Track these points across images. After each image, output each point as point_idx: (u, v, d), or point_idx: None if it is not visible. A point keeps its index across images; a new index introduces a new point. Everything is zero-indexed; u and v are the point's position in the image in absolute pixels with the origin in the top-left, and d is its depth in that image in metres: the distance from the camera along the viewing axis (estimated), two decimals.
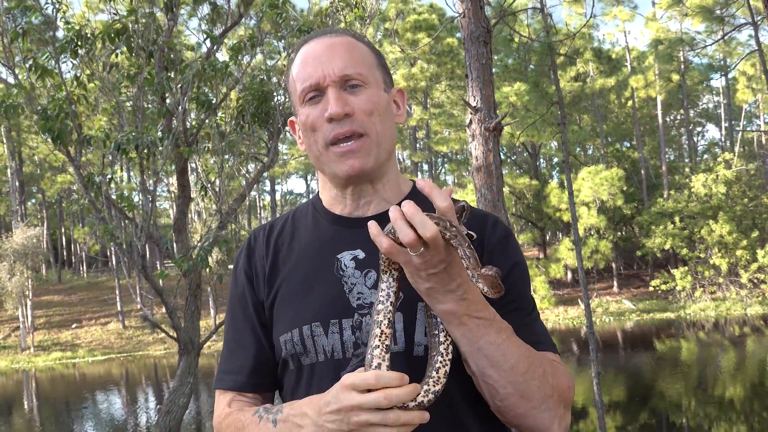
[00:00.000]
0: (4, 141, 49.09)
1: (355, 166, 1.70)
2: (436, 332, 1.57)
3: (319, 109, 1.71)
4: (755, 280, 38.13)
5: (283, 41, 10.15)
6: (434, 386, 1.51)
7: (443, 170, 61.46)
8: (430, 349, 1.58)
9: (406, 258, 1.47)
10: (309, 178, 68.73)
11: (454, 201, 1.57)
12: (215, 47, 9.62)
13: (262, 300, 1.81)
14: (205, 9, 9.63)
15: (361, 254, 1.73)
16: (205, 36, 9.51)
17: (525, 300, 1.79)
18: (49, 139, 8.11)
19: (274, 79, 9.89)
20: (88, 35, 8.39)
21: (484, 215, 1.86)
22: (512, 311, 1.72)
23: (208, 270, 10.62)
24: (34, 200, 62.93)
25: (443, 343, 1.56)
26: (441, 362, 1.54)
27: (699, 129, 68.95)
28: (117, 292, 43.87)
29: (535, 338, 1.71)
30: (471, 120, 6.19)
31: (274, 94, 9.48)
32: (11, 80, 8.93)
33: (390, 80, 1.85)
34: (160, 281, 8.84)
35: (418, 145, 53.30)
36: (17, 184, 50.46)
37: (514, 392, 1.59)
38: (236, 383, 1.81)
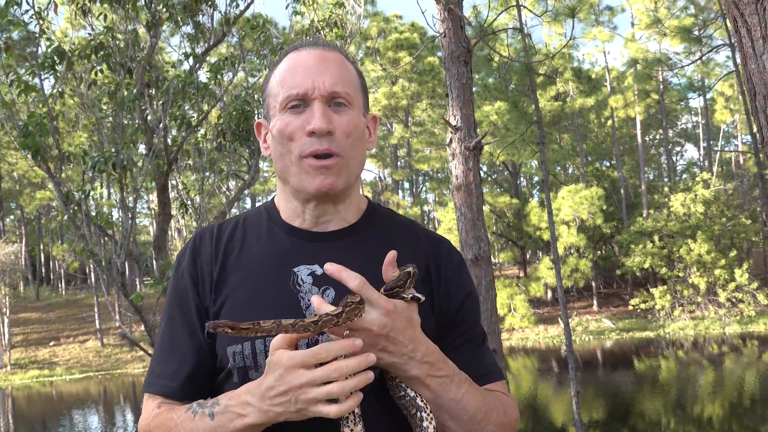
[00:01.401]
0: None
1: (325, 184, 1.68)
2: (403, 393, 1.59)
3: (300, 120, 1.69)
4: (733, 300, 38.30)
5: (262, 60, 10.18)
6: None
7: (424, 188, 61.47)
8: (408, 407, 1.59)
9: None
10: None
11: (401, 267, 1.60)
12: (197, 65, 9.61)
13: (207, 306, 1.74)
14: (188, 28, 9.63)
15: (319, 270, 1.70)
16: (186, 54, 9.49)
17: (477, 330, 1.82)
18: (29, 155, 8.07)
19: (256, 96, 9.90)
20: (67, 51, 8.36)
21: (438, 239, 1.87)
22: (465, 342, 1.78)
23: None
24: (12, 216, 62.51)
25: (418, 396, 1.58)
26: (427, 418, 1.56)
27: (678, 149, 69.40)
28: (96, 309, 43.61)
29: (486, 369, 1.77)
30: (451, 139, 6.21)
31: (255, 112, 9.48)
32: None
33: (367, 104, 1.85)
34: (140, 299, 8.77)
35: (399, 163, 53.33)
36: None
37: (461, 425, 1.64)
38: (168, 389, 1.73)
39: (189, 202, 10.96)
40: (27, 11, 8.28)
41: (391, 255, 1.58)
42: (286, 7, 10.00)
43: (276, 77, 1.76)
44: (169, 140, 9.50)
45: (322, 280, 1.68)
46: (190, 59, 9.49)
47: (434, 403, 1.60)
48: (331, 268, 1.52)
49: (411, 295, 1.56)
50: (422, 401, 1.57)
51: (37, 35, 8.49)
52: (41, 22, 8.40)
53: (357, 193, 1.84)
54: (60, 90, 8.77)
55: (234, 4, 9.33)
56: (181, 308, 1.77)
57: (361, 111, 1.78)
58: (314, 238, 1.76)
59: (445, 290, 1.76)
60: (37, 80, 8.28)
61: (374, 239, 1.78)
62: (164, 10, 8.68)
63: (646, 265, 39.57)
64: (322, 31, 9.89)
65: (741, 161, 54.94)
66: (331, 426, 1.53)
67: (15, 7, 8.08)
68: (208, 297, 1.75)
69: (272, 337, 1.55)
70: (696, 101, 63.10)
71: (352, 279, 1.50)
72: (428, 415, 1.56)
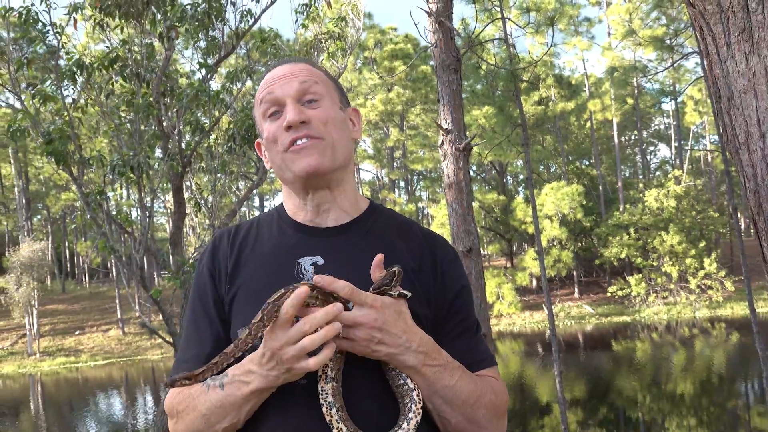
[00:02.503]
0: (12, 162, 48.95)
1: (311, 163, 1.69)
2: (402, 381, 1.60)
3: (278, 122, 1.73)
4: (702, 286, 38.37)
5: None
6: None
7: (418, 187, 61.51)
8: (403, 396, 1.60)
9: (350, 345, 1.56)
10: None
11: (387, 268, 1.61)
12: (209, 75, 9.60)
13: (222, 295, 1.77)
14: (201, 43, 9.61)
15: (320, 260, 1.71)
16: (200, 65, 9.48)
17: (471, 321, 1.82)
18: (52, 160, 8.06)
19: None
20: (87, 64, 8.34)
21: (434, 236, 1.87)
22: (461, 333, 1.78)
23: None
24: (39, 216, 62.37)
25: (415, 390, 1.59)
26: (415, 411, 1.57)
27: (651, 148, 69.38)
28: (117, 301, 43.59)
29: (480, 357, 1.78)
30: (443, 141, 6.21)
31: None
32: (18, 105, 8.88)
33: (346, 101, 1.86)
34: (159, 293, 8.75)
35: (395, 164, 53.38)
36: (24, 201, 50.13)
37: (464, 421, 1.67)
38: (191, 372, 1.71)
39: (202, 202, 10.95)
40: (45, 28, 8.27)
41: (378, 258, 1.60)
42: (295, 21, 9.99)
43: (257, 97, 1.81)
44: (183, 144, 9.49)
45: (323, 269, 1.69)
46: (203, 70, 9.47)
47: (429, 390, 1.61)
48: (322, 281, 1.52)
49: (398, 292, 1.57)
50: (418, 396, 1.59)
51: (58, 50, 8.48)
52: (60, 37, 8.39)
53: (351, 182, 1.85)
54: (79, 99, 8.76)
55: (245, 20, 9.31)
56: (202, 300, 1.80)
57: (337, 104, 1.80)
58: (318, 233, 1.77)
59: (442, 283, 1.76)
60: (58, 91, 8.27)
61: (373, 234, 1.79)
62: (180, 24, 8.65)
63: (623, 256, 39.63)
64: (324, 44, 9.87)
65: (709, 159, 55.02)
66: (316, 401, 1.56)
67: (35, 24, 8.07)
68: (224, 287, 1.77)
69: (225, 368, 1.62)
70: (668, 105, 62.99)
71: (341, 288, 1.52)
72: (418, 409, 1.57)
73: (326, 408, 1.54)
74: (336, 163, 1.74)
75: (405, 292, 1.59)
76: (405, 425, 1.56)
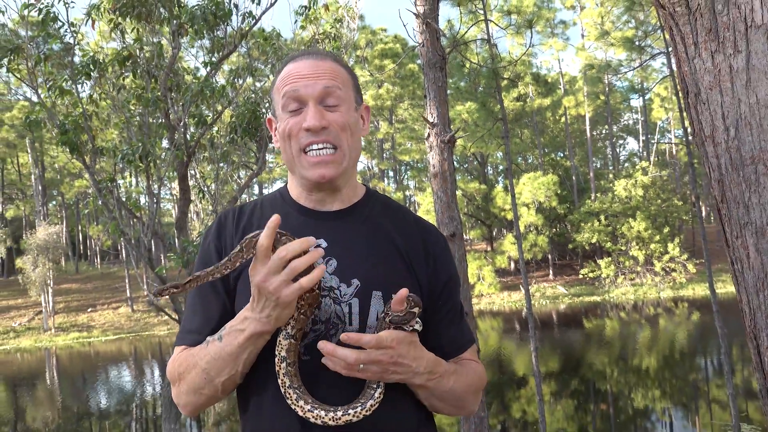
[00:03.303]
0: (29, 151, 48.86)
1: (326, 176, 1.66)
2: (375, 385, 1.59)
3: (298, 119, 1.67)
4: (667, 269, 38.54)
5: (269, 67, 10.12)
6: (357, 412, 1.54)
7: (406, 176, 61.47)
8: (370, 381, 1.59)
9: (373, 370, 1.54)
10: None
11: (409, 300, 1.59)
12: (213, 72, 9.55)
13: (228, 277, 1.71)
14: (206, 41, 9.55)
15: (324, 243, 1.68)
16: (205, 63, 9.42)
17: (457, 307, 1.82)
18: (67, 150, 8.00)
19: (264, 99, 9.85)
20: (101, 61, 8.28)
21: (426, 224, 1.86)
22: (452, 319, 1.79)
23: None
24: (54, 202, 62.13)
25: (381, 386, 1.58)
26: (379, 392, 1.57)
27: (621, 142, 69.53)
28: (126, 280, 43.62)
29: (465, 339, 1.81)
30: (429, 134, 6.19)
31: (263, 111, 9.43)
32: (35, 99, 8.82)
33: (360, 98, 1.81)
34: (164, 271, 8.73)
35: (384, 155, 53.30)
36: (40, 188, 50.02)
37: (453, 407, 1.73)
38: (195, 341, 1.68)
39: (205, 189, 10.93)
40: (62, 26, 8.20)
41: (402, 293, 1.56)
42: (294, 22, 9.93)
43: (277, 82, 1.75)
44: (188, 136, 9.45)
45: (326, 251, 1.67)
46: (208, 67, 9.42)
47: (429, 395, 1.66)
48: (349, 339, 1.51)
49: (411, 328, 1.57)
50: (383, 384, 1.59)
51: (73, 47, 8.42)
52: (76, 35, 8.33)
53: (354, 178, 1.82)
54: (93, 94, 8.70)
55: (248, 21, 9.25)
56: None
57: (353, 106, 1.75)
58: (321, 216, 1.74)
59: (434, 269, 1.75)
60: (73, 86, 8.21)
61: (371, 219, 1.77)
62: (190, 24, 8.59)
63: (594, 240, 39.77)
64: (321, 43, 9.83)
65: (674, 152, 55.19)
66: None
67: (53, 23, 8.00)
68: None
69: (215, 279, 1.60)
70: (636, 101, 63.14)
71: (367, 342, 1.51)
72: (380, 394, 1.57)
73: (278, 360, 1.54)
74: (346, 171, 1.73)
75: (418, 327, 1.59)
76: (364, 401, 1.55)
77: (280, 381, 1.54)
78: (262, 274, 1.46)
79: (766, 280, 1.82)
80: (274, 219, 1.46)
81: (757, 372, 1.92)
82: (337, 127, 1.67)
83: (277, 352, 1.54)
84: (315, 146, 1.66)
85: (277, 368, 1.54)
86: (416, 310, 1.58)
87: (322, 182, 1.68)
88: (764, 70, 1.75)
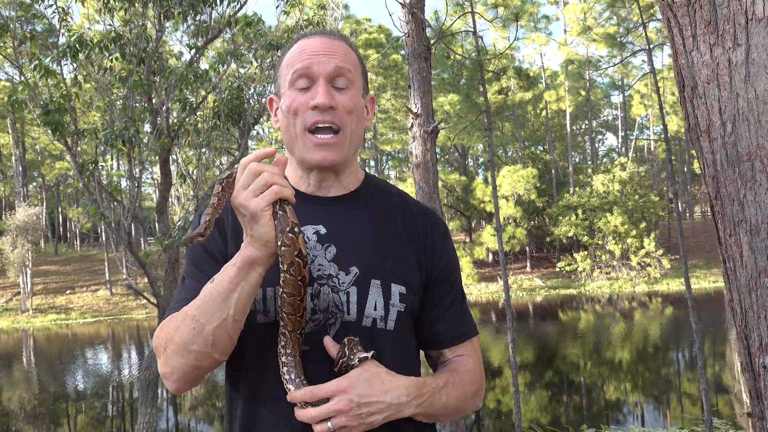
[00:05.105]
0: (10, 131, 48.43)
1: (327, 159, 1.62)
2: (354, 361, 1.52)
3: (306, 97, 1.61)
4: (642, 264, 38.87)
5: (252, 53, 10.04)
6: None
7: (387, 166, 61.48)
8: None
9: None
10: None
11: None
12: (198, 56, 9.44)
13: (226, 251, 1.65)
14: (191, 26, 9.44)
15: (322, 230, 1.63)
16: (189, 47, 9.31)
17: (459, 291, 1.78)
18: (49, 131, 7.88)
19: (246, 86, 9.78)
20: (88, 41, 8.16)
21: (425, 209, 1.81)
22: (451, 303, 1.74)
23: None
24: (35, 183, 61.64)
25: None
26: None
27: (600, 137, 69.91)
28: (106, 264, 43.55)
29: (465, 327, 1.75)
30: (412, 124, 6.15)
31: (246, 97, 9.34)
32: (18, 78, 8.69)
33: (367, 87, 1.77)
34: (147, 256, 8.65)
35: (366, 145, 53.22)
36: (20, 169, 49.70)
37: (451, 415, 1.67)
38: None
39: (187, 174, 10.82)
40: (50, 5, 8.08)
41: (326, 340, 1.53)
42: (277, 7, 9.83)
43: (286, 58, 1.69)
44: (171, 120, 9.35)
45: (325, 238, 1.63)
46: (192, 51, 9.31)
47: (426, 415, 1.59)
48: (297, 413, 1.48)
49: (358, 358, 1.48)
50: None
51: (58, 28, 8.30)
52: (62, 15, 8.19)
53: (355, 164, 1.77)
54: (78, 75, 8.59)
55: (231, 6, 9.14)
56: (206, 246, 1.67)
57: (360, 92, 1.70)
58: (319, 202, 1.69)
59: (432, 252, 1.71)
60: (57, 66, 8.08)
61: (371, 205, 1.72)
62: (177, 7, 8.48)
63: (571, 234, 40.02)
64: (305, 30, 9.74)
65: (652, 148, 55.54)
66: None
67: (39, 2, 7.88)
68: (231, 244, 1.65)
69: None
70: (616, 97, 63.46)
71: (308, 399, 1.46)
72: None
73: (279, 353, 1.52)
74: (348, 156, 1.68)
75: (366, 354, 1.49)
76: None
77: (281, 372, 1.50)
78: (236, 191, 1.42)
79: (759, 279, 1.78)
80: (269, 153, 1.46)
81: (746, 372, 1.89)
82: (344, 109, 1.63)
83: (279, 342, 1.52)
84: (320, 127, 1.61)
85: (279, 359, 1.51)
86: (345, 340, 1.52)
87: (324, 166, 1.64)
88: (764, 64, 1.71)
